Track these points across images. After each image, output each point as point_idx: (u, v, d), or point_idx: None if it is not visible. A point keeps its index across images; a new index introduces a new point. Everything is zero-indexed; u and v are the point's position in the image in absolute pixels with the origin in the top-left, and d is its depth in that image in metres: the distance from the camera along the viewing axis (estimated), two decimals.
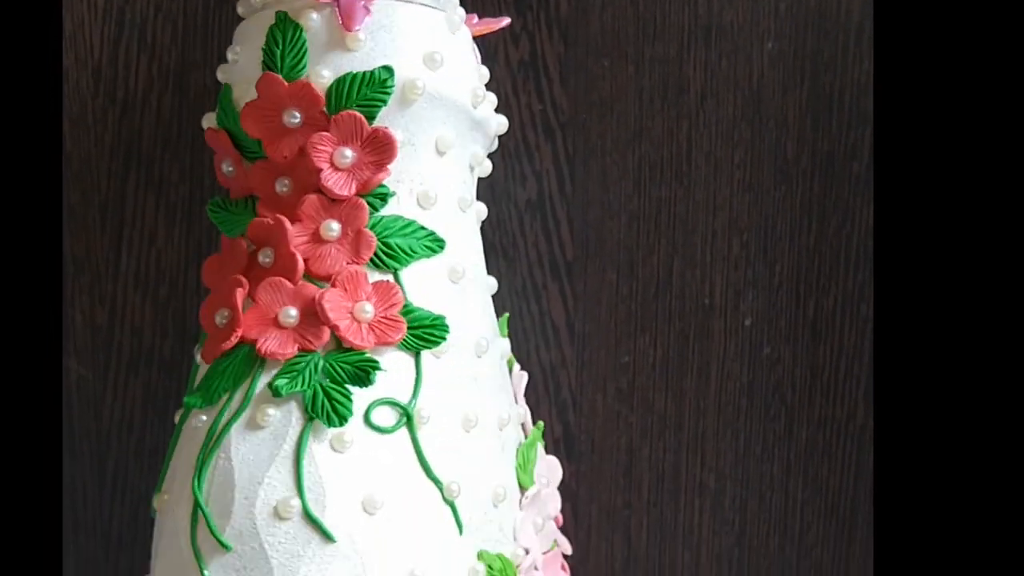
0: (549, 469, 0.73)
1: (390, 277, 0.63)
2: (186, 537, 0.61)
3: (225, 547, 0.59)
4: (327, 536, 0.58)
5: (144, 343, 0.83)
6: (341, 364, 0.61)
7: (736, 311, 0.83)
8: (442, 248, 0.64)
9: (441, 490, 0.61)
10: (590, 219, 0.82)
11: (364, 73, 0.62)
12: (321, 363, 0.61)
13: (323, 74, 0.63)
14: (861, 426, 0.84)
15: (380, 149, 0.63)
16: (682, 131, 0.82)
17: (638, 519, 0.85)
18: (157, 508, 0.64)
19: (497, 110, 0.71)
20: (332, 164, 0.62)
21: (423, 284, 0.64)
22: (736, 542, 0.85)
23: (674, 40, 0.81)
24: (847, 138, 0.81)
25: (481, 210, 0.71)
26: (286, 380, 0.60)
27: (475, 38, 0.70)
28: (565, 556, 0.74)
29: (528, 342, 0.83)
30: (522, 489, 0.68)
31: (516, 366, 0.74)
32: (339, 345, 0.62)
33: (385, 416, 0.61)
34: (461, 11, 0.69)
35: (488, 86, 0.71)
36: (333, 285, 0.62)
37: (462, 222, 0.67)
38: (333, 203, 0.63)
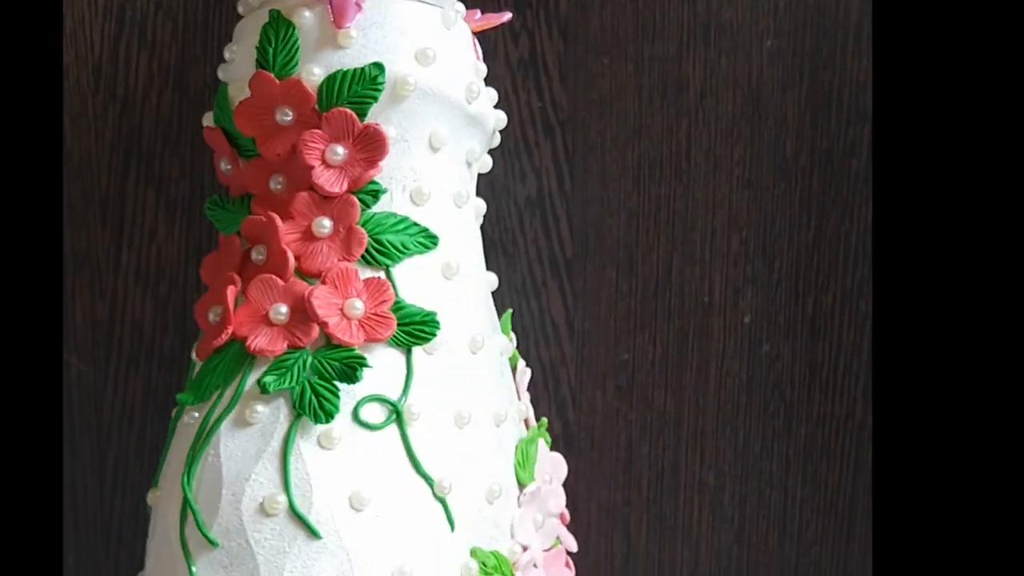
0: (553, 466, 0.72)
1: (382, 274, 0.62)
2: (175, 533, 0.61)
3: (212, 543, 0.59)
4: (313, 532, 0.58)
5: (144, 339, 0.82)
6: (329, 361, 0.60)
7: (735, 308, 0.82)
8: (435, 244, 0.64)
9: (432, 487, 0.61)
10: (589, 217, 0.81)
11: (355, 70, 0.62)
12: (310, 360, 0.61)
13: (314, 71, 0.62)
14: (860, 423, 0.83)
15: (371, 146, 0.62)
16: (681, 129, 0.81)
17: (637, 516, 0.84)
18: (151, 504, 0.64)
19: (497, 107, 0.71)
20: (323, 161, 0.62)
21: (416, 280, 0.63)
22: (735, 539, 0.84)
23: (673, 38, 0.80)
24: (846, 135, 0.80)
25: (480, 206, 0.70)
26: (274, 377, 0.60)
27: (475, 34, 0.70)
28: (568, 553, 0.73)
29: (527, 339, 0.82)
30: (521, 486, 0.67)
31: (520, 363, 0.74)
32: (329, 342, 0.61)
33: (374, 413, 0.61)
34: (459, 6, 0.68)
35: (488, 84, 0.71)
36: (323, 282, 0.61)
37: (457, 218, 0.66)
38: (325, 200, 0.62)
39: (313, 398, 0.60)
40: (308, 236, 0.62)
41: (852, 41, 0.80)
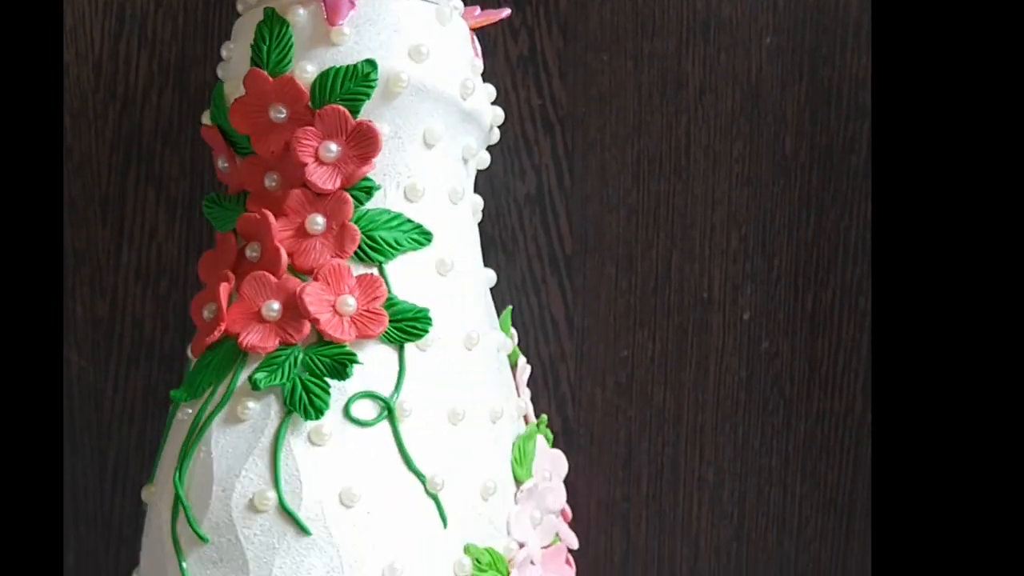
0: (553, 463, 0.71)
1: (374, 270, 0.61)
2: (167, 529, 0.60)
3: (203, 539, 0.59)
4: (302, 529, 0.57)
5: (145, 336, 0.81)
6: (320, 357, 0.60)
7: (735, 305, 0.82)
8: (429, 241, 0.63)
9: (424, 483, 0.60)
10: (589, 213, 0.80)
11: (347, 67, 0.61)
12: (301, 356, 0.60)
13: (307, 69, 0.61)
14: (859, 419, 0.82)
15: (364, 143, 0.61)
16: (681, 125, 0.80)
17: (637, 512, 0.83)
18: (146, 500, 0.63)
19: (496, 104, 0.71)
20: (317, 158, 0.61)
21: (409, 277, 0.62)
22: (734, 535, 0.83)
23: (673, 35, 0.79)
24: (845, 132, 0.80)
25: (477, 202, 0.69)
26: (265, 373, 0.59)
27: (474, 31, 0.70)
28: (569, 550, 0.72)
29: (527, 336, 0.81)
30: (518, 483, 0.66)
31: (521, 359, 0.72)
32: (320, 339, 0.60)
33: (366, 409, 0.60)
34: (456, 2, 0.67)
35: (488, 80, 0.71)
36: (316, 279, 0.61)
37: (453, 214, 0.65)
38: (318, 197, 0.62)
39: (303, 394, 0.59)
40: (301, 233, 0.62)
41: (851, 38, 0.80)
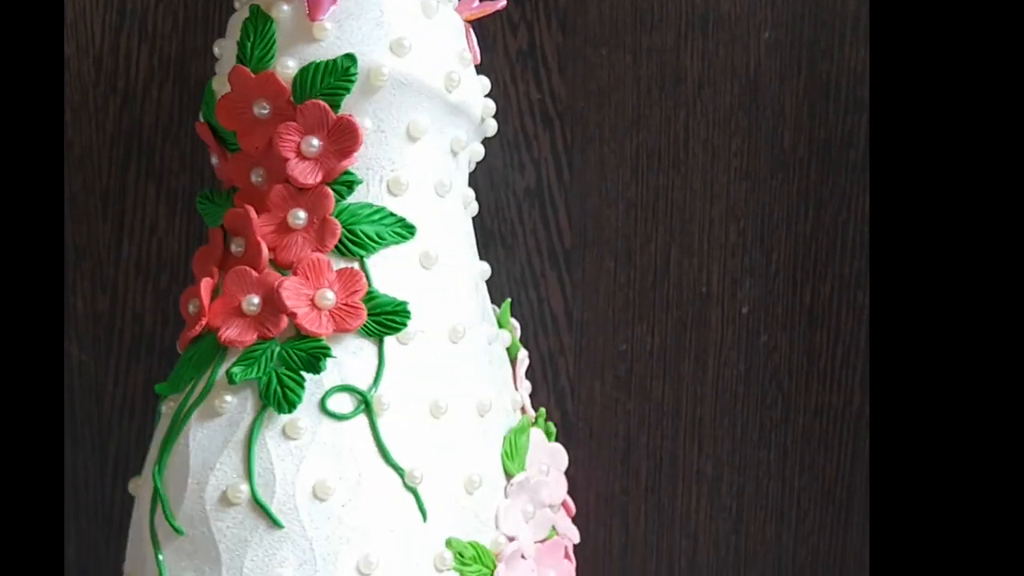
0: (552, 456, 0.70)
1: (355, 264, 0.61)
2: (146, 521, 0.61)
3: (178, 532, 0.59)
4: (274, 522, 0.58)
5: (145, 330, 0.80)
6: (296, 351, 0.59)
7: (733, 299, 0.80)
8: (412, 234, 0.62)
9: (402, 477, 0.59)
10: (588, 207, 0.80)
11: (327, 62, 0.61)
12: (278, 350, 0.60)
13: (288, 64, 0.61)
14: (857, 413, 0.81)
15: (344, 137, 0.61)
16: (679, 120, 0.79)
17: (636, 506, 0.82)
18: (132, 492, 0.64)
19: (496, 99, 0.71)
20: (298, 153, 0.61)
21: (391, 271, 0.62)
22: (733, 528, 0.82)
23: (672, 29, 0.78)
24: (843, 126, 0.78)
25: (468, 195, 0.68)
26: (241, 367, 0.59)
27: (471, 23, 0.70)
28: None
29: (527, 330, 0.80)
30: (509, 476, 0.65)
31: (522, 352, 0.72)
32: (298, 333, 0.60)
33: (343, 403, 0.59)
34: None
35: (487, 75, 0.71)
36: (295, 273, 0.60)
37: (439, 207, 0.64)
38: (300, 192, 0.61)
39: (278, 388, 0.59)
40: (284, 228, 0.61)
41: (850, 32, 0.78)
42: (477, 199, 0.71)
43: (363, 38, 0.62)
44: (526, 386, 0.71)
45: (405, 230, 0.62)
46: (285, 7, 0.62)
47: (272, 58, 0.62)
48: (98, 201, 0.79)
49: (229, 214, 0.63)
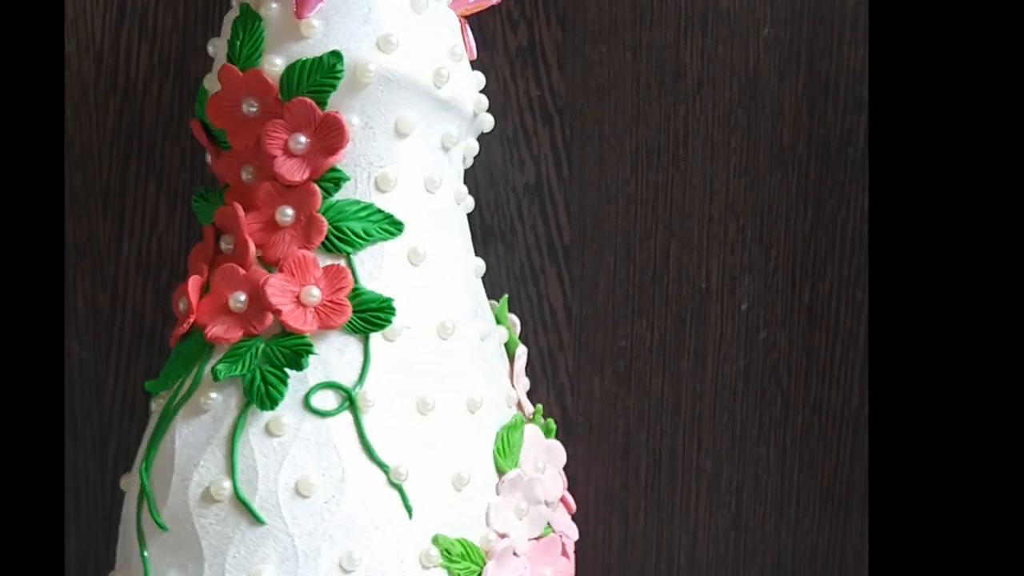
0: (550, 453, 0.69)
1: (342, 261, 0.61)
2: (133, 517, 0.61)
3: (162, 528, 0.59)
4: (256, 518, 0.57)
5: (145, 327, 0.80)
6: (280, 348, 0.59)
7: (732, 295, 0.80)
8: (400, 231, 0.62)
9: (387, 474, 0.59)
10: (587, 203, 0.79)
11: (313, 59, 0.60)
12: (262, 347, 0.59)
13: (275, 62, 0.60)
14: (856, 410, 0.80)
15: (331, 134, 0.60)
16: (679, 116, 0.78)
17: (635, 502, 0.81)
18: (124, 488, 0.64)
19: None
20: (285, 150, 0.60)
21: (379, 267, 0.61)
22: (732, 524, 0.82)
23: (671, 26, 0.78)
24: (843, 124, 0.78)
25: (461, 191, 0.67)
26: (226, 364, 0.59)
27: (467, 18, 0.70)
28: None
29: (526, 326, 0.79)
30: (501, 473, 0.65)
31: (520, 347, 0.71)
32: (283, 330, 0.60)
33: (327, 400, 0.59)
34: None
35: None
36: (281, 270, 0.60)
37: (429, 204, 0.64)
38: (288, 189, 0.61)
39: (261, 385, 0.59)
40: (271, 225, 0.61)
41: (849, 30, 0.77)
42: (477, 195, 0.71)
43: (350, 35, 0.61)
44: (524, 383, 0.71)
45: (393, 226, 0.62)
46: (274, 5, 0.62)
47: (260, 56, 0.61)
48: (98, 198, 0.79)
49: (219, 212, 0.63)
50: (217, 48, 0.64)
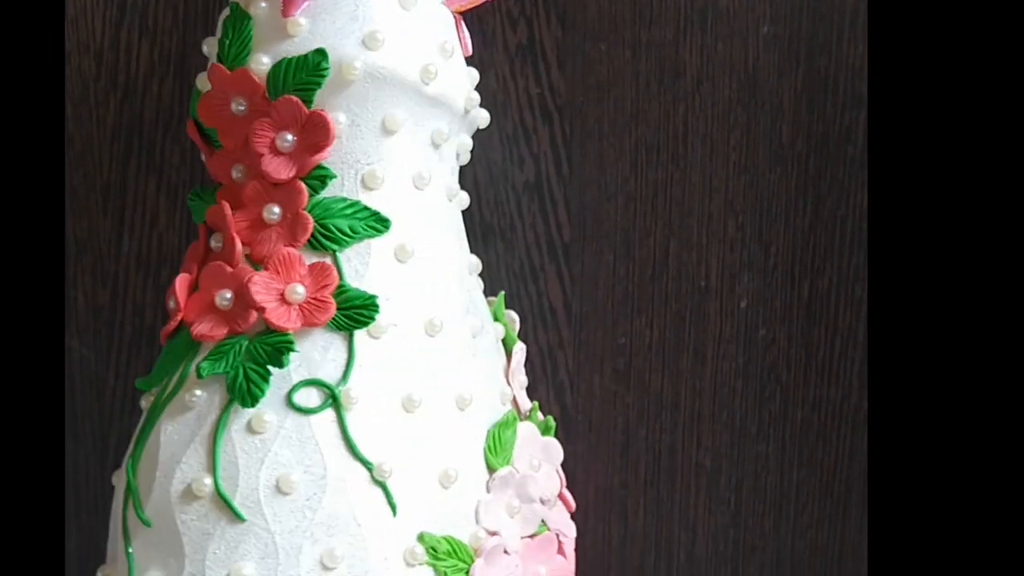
0: (546, 451, 0.69)
1: (328, 259, 0.61)
2: (119, 514, 0.61)
3: (145, 524, 0.59)
4: (236, 515, 0.58)
5: (146, 324, 0.79)
6: (263, 346, 0.59)
7: (732, 293, 0.79)
8: (387, 228, 0.61)
9: (371, 471, 0.59)
10: (587, 201, 0.79)
11: (298, 57, 0.60)
12: (246, 345, 0.60)
13: (262, 60, 0.61)
14: (855, 406, 0.80)
15: (317, 132, 0.60)
16: (678, 114, 0.78)
17: (634, 499, 0.81)
18: (114, 484, 0.64)
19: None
20: (272, 149, 0.60)
21: (365, 264, 0.61)
22: (731, 522, 0.82)
23: (670, 24, 0.77)
24: (842, 121, 0.78)
25: (452, 187, 0.67)
26: (210, 362, 0.59)
27: (473, 20, 0.70)
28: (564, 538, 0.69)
29: (526, 323, 0.79)
30: (491, 470, 0.64)
31: (518, 344, 0.71)
32: (267, 327, 0.60)
33: (310, 397, 0.59)
34: None
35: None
36: (266, 268, 0.60)
37: (417, 200, 0.63)
38: (275, 187, 0.61)
39: (244, 382, 0.59)
40: (259, 223, 0.61)
41: (848, 27, 0.77)
42: (476, 193, 0.71)
43: (336, 32, 0.61)
44: (522, 379, 0.70)
45: (379, 224, 0.62)
46: (262, 4, 0.62)
47: (247, 55, 0.62)
48: (99, 196, 0.79)
49: (209, 210, 0.63)
50: (211, 47, 0.64)
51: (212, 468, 0.58)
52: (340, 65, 0.60)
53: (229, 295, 0.60)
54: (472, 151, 0.70)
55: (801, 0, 0.77)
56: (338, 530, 0.58)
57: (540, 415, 0.70)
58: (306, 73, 0.60)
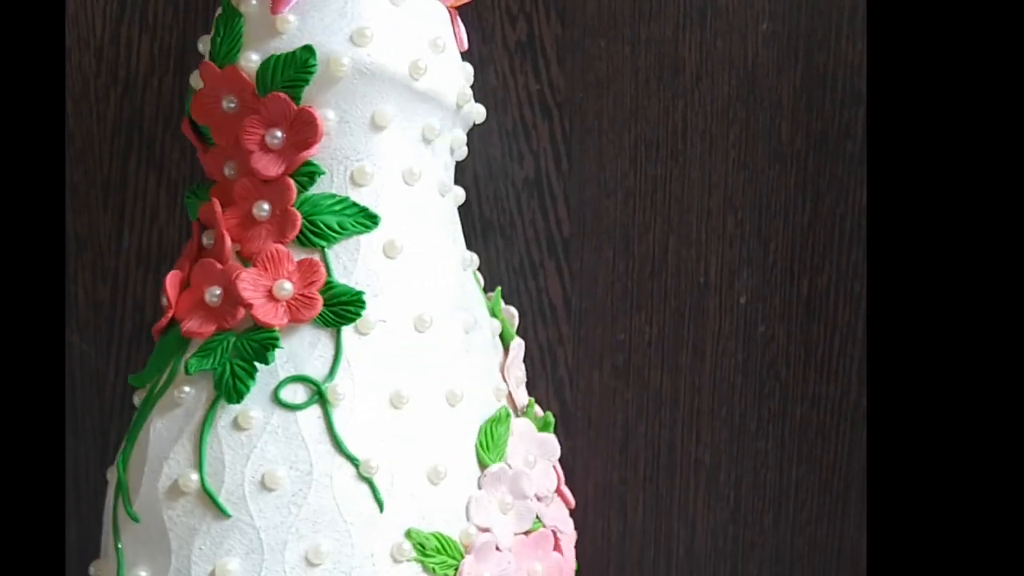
0: (541, 447, 0.69)
1: (316, 255, 0.60)
2: (111, 510, 0.61)
3: (134, 520, 0.59)
4: (222, 511, 0.57)
5: (146, 319, 0.79)
6: (250, 342, 0.59)
7: (731, 289, 0.79)
8: (376, 224, 0.61)
9: (357, 467, 0.59)
10: (586, 197, 0.78)
11: (286, 54, 0.60)
12: (233, 341, 0.59)
13: (252, 58, 0.60)
14: (855, 403, 0.79)
15: (305, 129, 0.60)
16: (677, 110, 0.78)
17: (634, 495, 0.81)
18: (108, 480, 0.63)
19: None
20: (262, 146, 0.60)
21: (353, 261, 0.61)
22: (731, 518, 0.81)
23: (670, 21, 0.77)
24: (841, 117, 0.77)
25: (445, 183, 0.66)
26: (197, 358, 0.59)
27: (472, 16, 0.69)
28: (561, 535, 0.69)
29: (525, 319, 0.79)
30: (483, 467, 0.64)
31: (516, 340, 0.71)
32: (255, 324, 0.59)
33: (296, 393, 0.59)
34: None
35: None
36: (254, 264, 0.60)
37: (408, 196, 0.63)
38: (264, 184, 0.61)
39: (230, 379, 0.58)
40: (248, 220, 0.61)
41: (847, 24, 0.77)
42: (476, 189, 0.71)
43: (324, 29, 0.61)
44: (518, 376, 0.70)
45: (368, 220, 0.61)
46: (253, 2, 0.62)
47: (238, 52, 0.61)
48: (99, 192, 0.79)
49: (202, 208, 0.63)
50: (205, 46, 0.64)
51: (198, 464, 0.58)
52: (328, 61, 0.60)
53: (218, 292, 0.60)
54: (470, 147, 0.70)
55: None
56: (323, 526, 0.58)
57: (539, 411, 0.70)
58: (294, 70, 0.60)
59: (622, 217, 0.79)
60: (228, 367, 0.59)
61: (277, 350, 0.59)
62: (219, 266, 0.60)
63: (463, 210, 0.69)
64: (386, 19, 0.62)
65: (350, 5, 0.61)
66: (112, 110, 0.77)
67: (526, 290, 0.79)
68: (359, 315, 0.60)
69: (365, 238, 0.61)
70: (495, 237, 0.78)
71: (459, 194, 0.68)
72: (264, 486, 0.58)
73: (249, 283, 0.59)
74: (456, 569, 0.61)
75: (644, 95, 0.78)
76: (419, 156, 0.64)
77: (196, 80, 0.63)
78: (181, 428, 0.60)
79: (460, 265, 0.67)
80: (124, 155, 0.78)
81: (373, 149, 0.62)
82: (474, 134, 0.70)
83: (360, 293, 0.60)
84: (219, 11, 0.63)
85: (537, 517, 0.67)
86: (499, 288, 0.72)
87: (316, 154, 0.61)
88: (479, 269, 0.69)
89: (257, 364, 0.59)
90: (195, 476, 0.58)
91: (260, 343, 0.59)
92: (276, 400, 0.59)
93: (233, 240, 0.61)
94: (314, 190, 0.61)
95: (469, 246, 0.69)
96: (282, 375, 0.59)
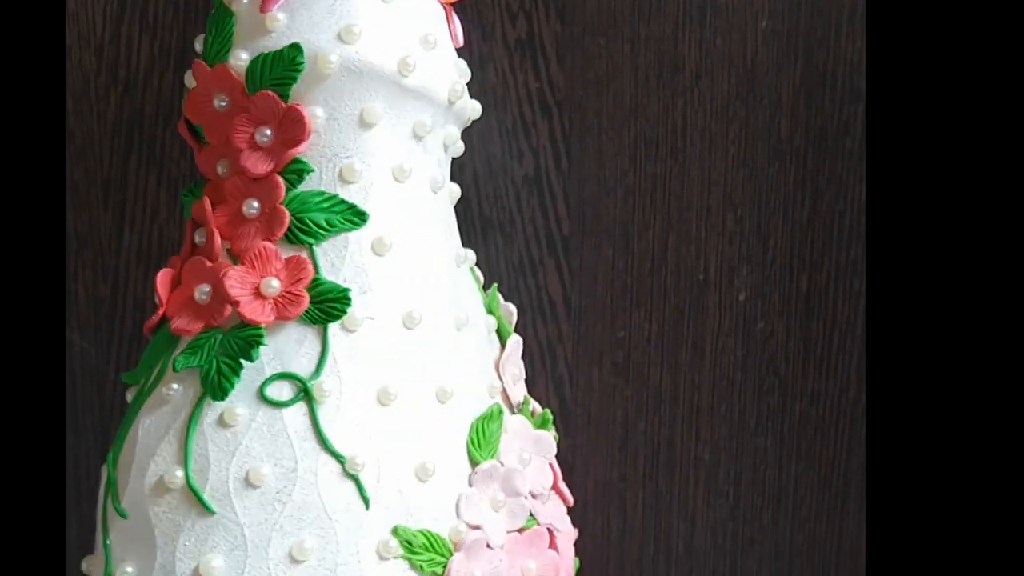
0: (536, 444, 0.68)
1: (304, 252, 0.60)
2: (101, 506, 0.61)
3: (122, 516, 0.59)
4: (206, 507, 0.57)
5: (146, 318, 0.77)
6: (235, 340, 0.59)
7: (730, 286, 0.79)
8: (364, 221, 0.61)
9: (343, 464, 0.58)
10: (586, 195, 0.78)
11: (274, 52, 0.60)
12: (220, 338, 0.59)
13: (241, 56, 0.61)
14: (854, 400, 0.79)
15: (293, 127, 0.60)
16: (677, 108, 0.78)
17: (633, 492, 0.81)
18: (103, 477, 0.63)
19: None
20: (251, 144, 0.60)
21: (341, 258, 0.61)
22: (730, 515, 0.81)
23: (669, 19, 0.77)
24: (840, 115, 0.77)
25: (438, 179, 0.66)
26: (185, 356, 0.59)
27: (471, 14, 0.69)
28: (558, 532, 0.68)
29: (525, 317, 0.79)
30: (474, 464, 0.64)
31: (514, 337, 0.70)
32: (242, 321, 0.59)
33: (282, 390, 0.59)
34: None
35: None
36: (243, 262, 0.60)
37: (398, 193, 0.63)
38: (254, 182, 0.61)
39: (215, 376, 0.58)
40: (238, 218, 0.61)
41: (846, 21, 0.77)
42: (475, 187, 0.71)
43: (313, 27, 0.61)
44: (514, 373, 0.70)
45: (356, 217, 0.61)
46: (244, 0, 0.62)
47: (228, 51, 0.62)
48: (99, 190, 0.79)
49: (194, 206, 0.63)
50: (200, 45, 0.65)
51: (184, 461, 0.58)
52: (316, 59, 0.60)
53: (207, 289, 0.60)
54: (470, 145, 0.70)
55: None
56: (308, 523, 0.58)
57: (538, 407, 0.70)
58: (282, 68, 0.60)
59: (622, 215, 0.79)
60: (214, 364, 0.59)
61: (263, 347, 0.59)
62: (208, 264, 0.61)
63: (462, 208, 0.69)
64: (375, 16, 0.62)
65: (339, 2, 0.61)
66: (112, 109, 0.77)
67: (526, 288, 0.79)
68: (345, 312, 0.60)
69: (353, 235, 0.61)
70: (495, 235, 0.78)
71: (454, 190, 0.68)
72: (248, 483, 0.58)
73: (236, 280, 0.59)
74: (444, 566, 0.61)
75: (644, 93, 0.78)
76: (410, 153, 0.64)
77: (189, 79, 0.63)
78: (168, 425, 0.60)
79: (454, 262, 0.67)
80: (124, 154, 0.78)
81: (362, 146, 0.62)
82: (474, 132, 0.70)
83: (346, 290, 0.60)
84: (212, 10, 0.63)
85: (532, 515, 0.66)
86: (496, 284, 0.71)
87: (305, 151, 0.61)
88: (478, 266, 0.68)
89: (243, 361, 0.59)
90: (180, 473, 0.58)
91: (245, 340, 0.59)
92: (262, 397, 0.59)
93: (223, 238, 0.61)
94: (303, 187, 0.61)
95: (468, 244, 0.69)
96: (268, 372, 0.59)
